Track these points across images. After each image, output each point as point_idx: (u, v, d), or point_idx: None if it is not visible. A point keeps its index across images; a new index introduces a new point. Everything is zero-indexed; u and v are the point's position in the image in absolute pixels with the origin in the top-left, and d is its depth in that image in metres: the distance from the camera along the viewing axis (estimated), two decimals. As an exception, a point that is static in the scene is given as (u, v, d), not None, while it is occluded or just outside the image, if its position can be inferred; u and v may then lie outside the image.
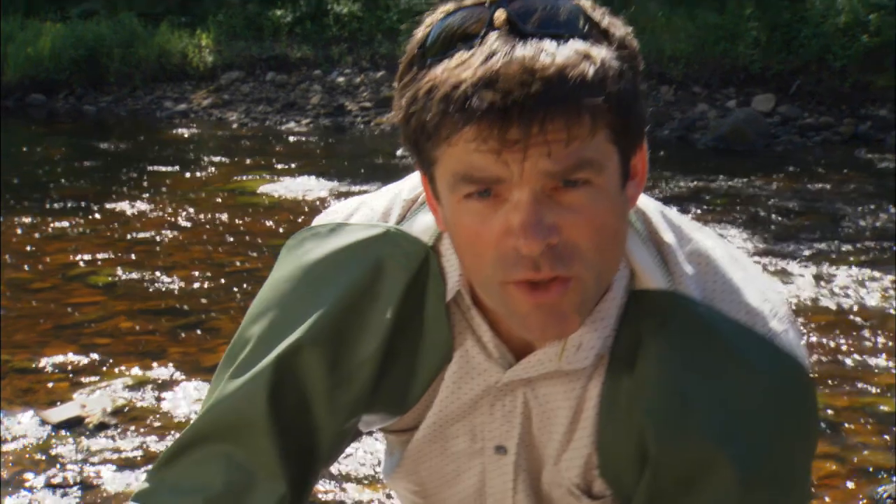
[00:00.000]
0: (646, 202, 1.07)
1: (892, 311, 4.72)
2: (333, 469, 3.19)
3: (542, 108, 0.86)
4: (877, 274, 5.24)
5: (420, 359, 1.08)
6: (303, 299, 1.07)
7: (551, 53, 0.87)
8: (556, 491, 1.13)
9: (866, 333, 4.38)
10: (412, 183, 1.12)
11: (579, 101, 0.87)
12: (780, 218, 6.71)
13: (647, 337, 1.01)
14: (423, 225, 1.08)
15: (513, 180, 0.90)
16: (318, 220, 1.16)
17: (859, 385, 3.82)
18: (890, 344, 4.27)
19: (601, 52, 0.90)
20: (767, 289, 1.06)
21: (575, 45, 0.89)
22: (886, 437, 3.43)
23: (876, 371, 3.99)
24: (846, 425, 3.52)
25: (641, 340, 1.01)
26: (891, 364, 4.05)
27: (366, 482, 3.18)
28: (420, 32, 0.95)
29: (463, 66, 0.88)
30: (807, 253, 5.75)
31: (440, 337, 1.07)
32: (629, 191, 0.98)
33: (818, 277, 5.22)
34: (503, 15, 0.90)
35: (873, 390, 3.80)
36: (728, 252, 1.07)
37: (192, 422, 1.12)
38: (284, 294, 1.09)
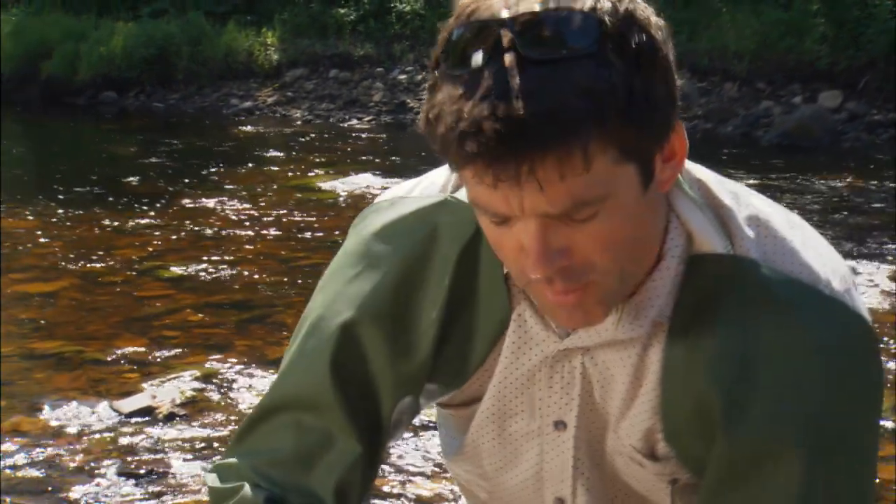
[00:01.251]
0: (702, 171, 1.06)
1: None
2: (397, 462, 3.26)
3: (531, 150, 0.85)
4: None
5: (478, 325, 1.09)
6: (362, 271, 1.10)
7: (546, 92, 0.85)
8: (618, 459, 1.12)
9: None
10: None
11: (569, 138, 0.85)
12: (846, 215, 6.61)
13: (709, 302, 1.00)
14: None
15: (516, 213, 0.91)
16: (381, 197, 1.18)
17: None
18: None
19: (606, 76, 0.86)
20: (827, 251, 1.05)
21: (577, 74, 0.86)
22: None
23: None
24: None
25: (703, 306, 1.01)
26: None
27: (429, 475, 3.23)
28: (443, 33, 0.95)
29: (461, 101, 0.87)
30: (876, 251, 5.66)
31: (497, 301, 1.07)
32: (664, 173, 0.96)
33: (892, 278, 5.15)
34: (507, 39, 0.87)
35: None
36: (786, 216, 1.06)
37: (260, 400, 1.15)
38: (344, 267, 1.12)
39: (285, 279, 5.40)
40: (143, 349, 4.32)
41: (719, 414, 0.99)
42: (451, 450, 1.23)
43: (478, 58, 0.88)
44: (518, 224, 0.92)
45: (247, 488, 1.07)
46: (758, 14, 10.93)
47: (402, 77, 13.23)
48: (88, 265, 5.71)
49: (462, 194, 1.09)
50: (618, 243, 0.94)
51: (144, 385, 3.92)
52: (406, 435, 3.39)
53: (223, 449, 3.54)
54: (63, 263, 5.71)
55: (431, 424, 3.42)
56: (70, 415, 3.65)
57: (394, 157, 9.54)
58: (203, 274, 5.50)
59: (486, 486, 1.21)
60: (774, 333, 0.98)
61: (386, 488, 3.16)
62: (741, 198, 1.05)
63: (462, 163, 0.90)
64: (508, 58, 0.87)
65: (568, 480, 1.13)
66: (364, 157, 9.36)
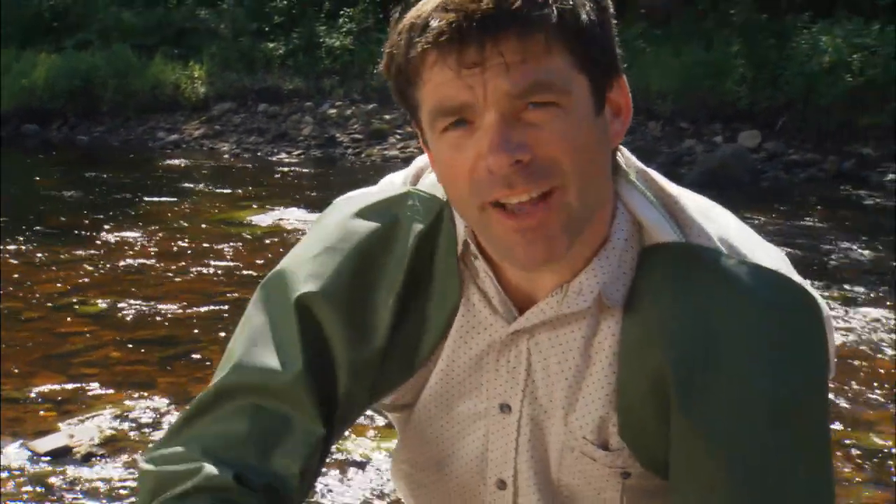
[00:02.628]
0: (647, 168, 1.10)
1: (878, 346, 4.77)
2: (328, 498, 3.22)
3: (494, 24, 0.90)
4: (864, 309, 5.30)
5: (430, 311, 1.10)
6: (322, 253, 1.10)
7: None
8: (567, 456, 1.11)
9: (855, 367, 4.43)
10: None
11: (531, 18, 0.91)
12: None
13: (666, 285, 1.03)
14: (436, 180, 1.10)
15: (479, 105, 0.93)
16: (344, 195, 1.19)
17: (851, 421, 3.86)
18: (877, 379, 4.32)
19: None
20: (761, 239, 1.10)
21: None
22: (879, 473, 3.47)
23: (868, 406, 4.03)
24: (839, 463, 3.55)
25: (659, 289, 1.03)
26: (879, 397, 4.09)
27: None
28: None
29: (427, 2, 0.95)
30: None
31: (449, 284, 1.09)
32: (613, 126, 1.01)
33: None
34: None
35: (865, 426, 3.84)
36: (722, 208, 1.11)
37: (211, 382, 1.10)
38: (307, 251, 1.12)
39: (210, 315, 5.32)
40: (61, 387, 4.21)
41: (674, 387, 1.00)
42: (395, 452, 1.23)
43: None
44: (479, 127, 0.94)
45: (209, 467, 1.01)
46: (680, 54, 11.23)
47: (332, 111, 13.24)
48: (7, 301, 5.56)
49: (423, 185, 1.13)
50: (574, 149, 0.95)
51: (62, 424, 3.82)
52: (334, 472, 3.35)
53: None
54: (-21, 299, 5.54)
55: (357, 461, 3.39)
56: (-17, 456, 3.53)
57: (323, 192, 9.51)
58: (126, 309, 5.40)
59: (428, 478, 1.21)
60: (731, 310, 1.01)
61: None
62: (683, 190, 1.10)
63: (425, 48, 0.93)
64: None
65: (510, 463, 1.14)
66: (293, 191, 9.32)
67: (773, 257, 1.06)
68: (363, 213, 1.12)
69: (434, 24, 0.92)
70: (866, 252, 6.77)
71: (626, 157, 1.08)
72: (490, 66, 0.91)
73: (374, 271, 1.09)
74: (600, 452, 1.10)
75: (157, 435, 3.72)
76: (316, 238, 1.13)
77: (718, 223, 1.07)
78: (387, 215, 1.11)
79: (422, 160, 1.17)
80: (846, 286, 5.84)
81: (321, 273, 1.09)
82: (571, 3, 0.94)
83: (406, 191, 1.13)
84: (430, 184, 1.12)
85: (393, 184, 1.17)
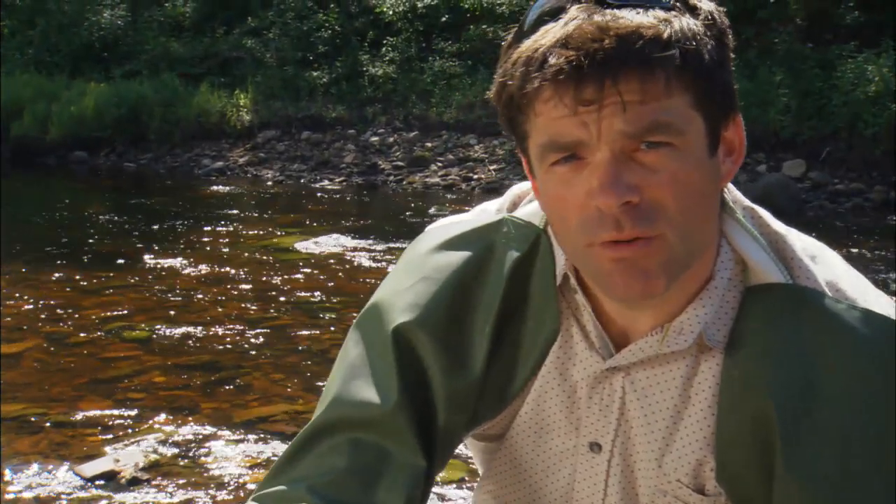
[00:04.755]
0: (756, 206, 1.07)
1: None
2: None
3: (615, 63, 0.88)
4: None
5: (526, 341, 1.07)
6: (418, 282, 1.09)
7: (628, 17, 0.90)
8: (659, 501, 1.08)
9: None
10: (526, 184, 1.16)
11: (652, 57, 0.88)
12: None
13: (770, 328, 0.99)
14: (534, 208, 1.10)
15: (592, 142, 0.91)
16: (438, 222, 1.18)
17: None
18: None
19: (682, 20, 0.91)
20: (870, 284, 1.06)
21: (655, 13, 0.91)
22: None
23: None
24: None
25: (763, 332, 0.99)
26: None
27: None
28: (522, 18, 0.99)
29: (545, 35, 0.92)
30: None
31: (547, 314, 1.06)
32: (724, 166, 0.98)
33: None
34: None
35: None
36: (830, 249, 1.08)
37: (310, 422, 1.08)
38: (400, 279, 1.11)
39: (253, 341, 5.37)
40: (107, 411, 4.26)
41: (779, 431, 0.97)
42: (484, 466, 1.20)
43: (565, 5, 0.93)
44: (590, 163, 0.93)
45: None
46: (723, 84, 11.17)
47: (374, 139, 13.35)
48: (54, 326, 5.65)
49: (519, 213, 1.11)
50: (686, 192, 0.93)
51: (108, 448, 3.86)
52: None
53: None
54: (28, 324, 5.64)
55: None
56: (30, 479, 3.59)
57: (364, 218, 9.57)
58: (170, 335, 5.46)
59: None
60: (839, 357, 0.97)
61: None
62: (791, 230, 1.06)
63: (541, 83, 0.91)
64: (593, 1, 0.93)
65: None
66: (335, 218, 9.39)
67: (882, 304, 1.02)
68: (457, 241, 1.11)
69: (552, 60, 0.90)
70: (914, 283, 6.67)
71: (733, 194, 1.06)
72: (607, 104, 0.89)
73: (470, 300, 1.07)
74: (695, 497, 1.05)
75: (202, 459, 3.76)
76: (409, 267, 1.12)
77: (827, 265, 1.03)
78: (481, 243, 1.10)
79: (518, 188, 1.16)
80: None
81: (417, 303, 1.07)
82: (695, 42, 0.91)
83: (501, 218, 1.11)
84: (527, 212, 1.11)
85: (486, 211, 1.15)
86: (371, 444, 1.04)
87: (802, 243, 1.05)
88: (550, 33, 0.92)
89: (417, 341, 1.06)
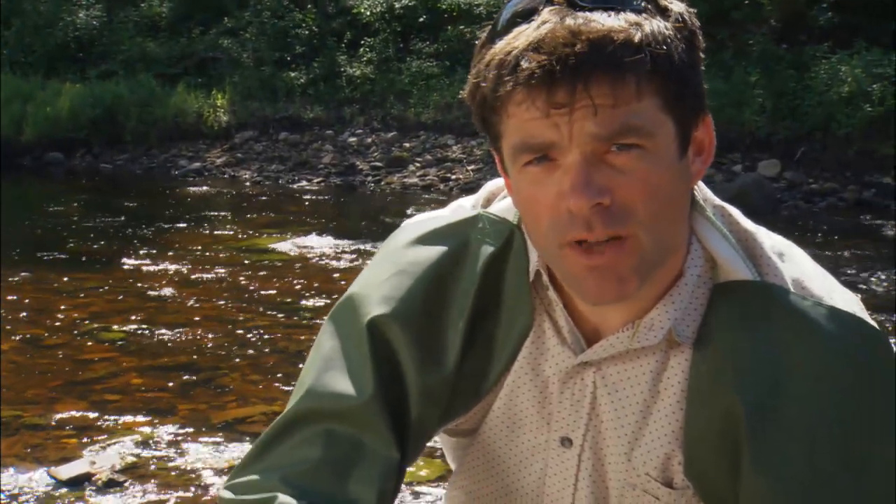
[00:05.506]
0: (725, 204, 1.08)
1: None
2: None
3: (587, 68, 0.89)
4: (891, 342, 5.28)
5: (500, 336, 1.08)
6: (394, 276, 1.09)
7: (599, 21, 0.91)
8: (628, 494, 1.09)
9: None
10: (500, 180, 1.15)
11: (624, 62, 0.89)
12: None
13: (738, 325, 1.01)
14: (508, 204, 1.10)
15: (563, 144, 0.92)
16: (413, 218, 1.19)
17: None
18: None
19: (653, 23, 0.93)
20: (838, 283, 1.07)
21: (626, 16, 0.92)
22: None
23: None
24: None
25: (731, 328, 1.01)
26: None
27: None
28: (495, 19, 1.00)
29: (517, 37, 0.93)
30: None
31: (520, 309, 1.08)
32: (694, 166, 0.99)
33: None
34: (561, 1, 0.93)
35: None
36: (799, 248, 1.09)
37: (288, 405, 1.08)
38: (376, 273, 1.12)
39: (231, 342, 5.36)
40: (83, 413, 4.24)
41: (746, 427, 0.98)
42: (456, 462, 1.21)
43: (538, 6, 0.94)
44: (561, 164, 0.94)
45: (282, 497, 1.00)
46: (699, 84, 11.24)
47: (352, 140, 13.34)
48: (30, 328, 5.62)
49: (494, 209, 1.13)
50: (656, 194, 0.94)
51: (84, 451, 3.85)
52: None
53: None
54: (3, 325, 5.60)
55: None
56: (6, 482, 3.56)
57: (342, 219, 9.56)
58: (147, 336, 5.44)
59: None
60: (805, 353, 0.99)
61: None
62: (760, 228, 1.07)
63: (514, 86, 0.92)
64: (564, 3, 0.93)
65: (568, 499, 1.12)
66: (313, 219, 9.38)
67: (847, 301, 1.04)
68: (433, 236, 1.12)
69: (525, 64, 0.91)
70: (886, 282, 6.74)
71: (703, 192, 1.07)
72: (578, 108, 0.91)
73: (444, 294, 1.08)
74: (664, 490, 1.07)
75: (179, 461, 3.75)
76: (385, 261, 1.12)
77: (794, 263, 1.05)
78: (457, 238, 1.11)
79: (492, 185, 1.17)
80: (872, 320, 5.81)
81: (392, 296, 1.08)
82: (665, 46, 0.92)
83: (477, 214, 1.12)
84: (501, 208, 1.12)
85: (462, 207, 1.16)
86: (345, 435, 1.04)
87: (771, 241, 1.07)
88: (523, 36, 0.93)
89: (392, 334, 1.07)
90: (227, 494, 1.04)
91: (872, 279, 6.83)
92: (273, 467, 1.04)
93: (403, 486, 3.45)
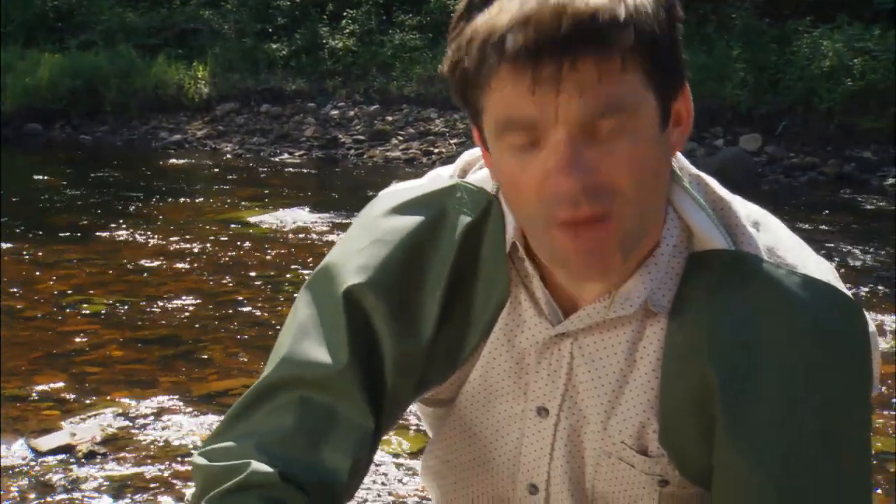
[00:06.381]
0: (702, 173, 1.09)
1: (886, 349, 4.79)
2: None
3: (573, 45, 0.89)
4: (866, 313, 5.32)
5: (476, 306, 1.09)
6: (370, 245, 1.09)
7: None
8: (604, 462, 1.10)
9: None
10: (476, 150, 1.15)
11: (609, 38, 0.89)
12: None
13: (713, 294, 1.01)
14: (486, 174, 1.10)
15: (549, 122, 0.92)
16: (391, 186, 1.18)
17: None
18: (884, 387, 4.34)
19: (645, 3, 0.93)
20: (811, 250, 1.08)
21: None
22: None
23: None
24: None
25: (706, 297, 1.02)
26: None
27: None
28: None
29: (501, 13, 0.92)
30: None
31: (497, 280, 1.08)
32: (673, 137, 1.00)
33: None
34: None
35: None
36: (775, 218, 1.10)
37: (263, 373, 1.09)
38: (353, 240, 1.11)
39: (212, 314, 5.35)
40: (63, 385, 4.24)
41: (720, 397, 0.99)
42: (433, 431, 1.22)
43: None
44: (547, 144, 0.93)
45: (255, 464, 1.00)
46: (681, 58, 11.25)
47: (334, 112, 13.27)
48: (9, 299, 5.59)
49: (471, 178, 1.12)
50: (640, 169, 0.95)
51: (64, 423, 3.84)
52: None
53: (146, 487, 3.49)
54: (-18, 297, 5.58)
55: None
56: (-14, 453, 3.56)
57: (324, 192, 9.54)
58: (128, 309, 5.43)
59: (459, 478, 1.19)
60: (778, 321, 1.00)
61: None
62: (736, 198, 1.08)
63: (499, 64, 0.91)
64: None
65: (544, 468, 1.13)
66: (294, 192, 9.35)
67: (822, 269, 1.05)
68: (410, 205, 1.11)
69: (511, 41, 0.90)
70: (866, 255, 6.80)
71: (680, 162, 1.07)
72: (565, 85, 0.90)
73: (421, 264, 1.08)
74: (639, 458, 1.08)
75: (159, 433, 3.76)
76: (362, 230, 1.12)
77: (770, 232, 1.06)
78: (434, 207, 1.10)
79: (468, 154, 1.16)
80: (847, 289, 5.85)
81: (369, 265, 1.08)
82: (648, 21, 0.92)
83: (454, 183, 1.12)
84: (479, 178, 1.12)
85: (440, 177, 1.16)
86: (320, 403, 1.04)
87: (747, 210, 1.07)
88: (507, 12, 0.92)
89: (368, 303, 1.07)
90: (202, 461, 1.05)
91: (853, 252, 6.88)
92: (247, 434, 1.05)
93: (386, 458, 3.48)
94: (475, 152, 1.15)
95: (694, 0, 11.51)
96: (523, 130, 0.94)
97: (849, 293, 1.05)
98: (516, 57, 0.90)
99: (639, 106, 0.94)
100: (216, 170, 11.13)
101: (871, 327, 1.05)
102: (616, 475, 1.11)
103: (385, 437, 3.72)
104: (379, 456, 3.47)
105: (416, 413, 1.19)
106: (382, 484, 3.34)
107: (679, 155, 1.07)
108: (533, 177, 0.95)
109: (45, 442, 3.65)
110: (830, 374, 1.00)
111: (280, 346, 1.10)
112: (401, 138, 12.29)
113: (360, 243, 1.11)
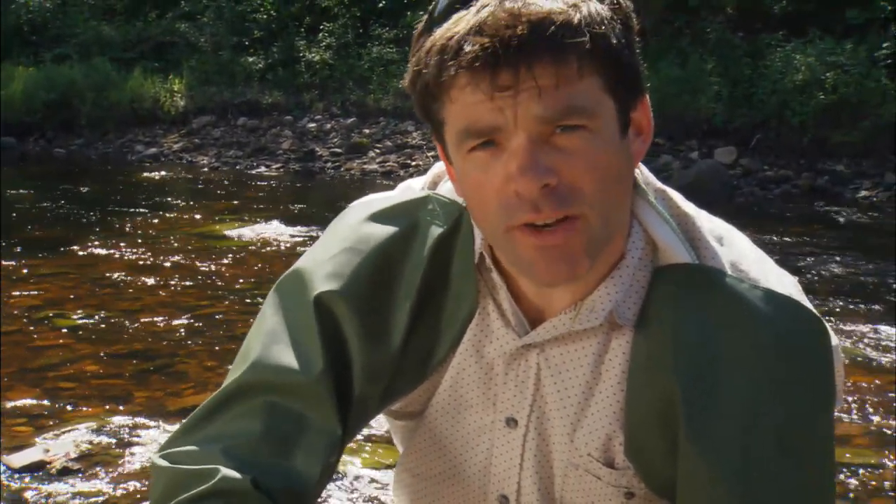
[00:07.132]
0: (667, 187, 1.10)
1: (853, 359, 4.83)
2: None
3: (529, 50, 0.90)
4: (838, 324, 5.37)
5: (445, 317, 1.09)
6: (342, 253, 1.09)
7: (538, 3, 0.92)
8: (571, 474, 1.11)
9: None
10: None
11: (565, 43, 0.91)
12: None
13: (676, 307, 1.02)
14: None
15: (508, 127, 0.93)
16: (363, 198, 1.19)
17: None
18: (855, 398, 4.37)
19: (590, 5, 0.94)
20: (775, 265, 1.10)
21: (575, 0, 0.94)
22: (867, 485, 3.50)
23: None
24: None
25: (670, 310, 1.03)
26: (855, 417, 4.15)
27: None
28: (432, 6, 1.01)
29: (457, 23, 0.94)
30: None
31: (466, 291, 1.08)
32: (634, 146, 1.01)
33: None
34: None
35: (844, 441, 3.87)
36: (739, 233, 1.12)
37: (229, 377, 1.07)
38: (325, 249, 1.11)
39: (187, 328, 5.32)
40: (36, 401, 4.19)
41: (682, 410, 1.00)
42: (403, 444, 1.22)
43: None
44: (507, 148, 0.94)
45: (225, 470, 0.99)
46: (656, 71, 11.35)
47: (311, 125, 13.26)
48: (-19, 314, 5.53)
49: (441, 190, 1.13)
50: (600, 173, 0.95)
51: (37, 439, 3.80)
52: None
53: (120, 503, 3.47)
54: (-46, 312, 5.52)
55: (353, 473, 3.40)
56: (-43, 470, 3.52)
57: (302, 205, 9.52)
58: (102, 323, 5.39)
59: (431, 490, 1.20)
60: (741, 335, 1.01)
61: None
62: (700, 212, 1.10)
63: (457, 70, 0.93)
64: None
65: (514, 478, 1.14)
66: (271, 205, 9.32)
67: (785, 283, 1.06)
68: (382, 216, 1.12)
69: (468, 47, 0.91)
70: (839, 268, 6.85)
71: (645, 176, 1.09)
72: (523, 90, 0.91)
73: (392, 274, 1.09)
74: (605, 470, 1.09)
75: (134, 449, 3.73)
76: (334, 239, 1.12)
77: (733, 247, 1.07)
78: (406, 218, 1.11)
79: (439, 167, 1.17)
80: (819, 301, 5.91)
81: (340, 273, 1.08)
82: (603, 27, 0.94)
83: (426, 195, 1.13)
84: (450, 189, 1.13)
85: (411, 188, 1.17)
86: (289, 409, 1.04)
87: (711, 225, 1.09)
88: (464, 21, 0.93)
89: (338, 311, 1.07)
90: (163, 463, 1.03)
91: (825, 265, 6.94)
92: (213, 438, 1.03)
93: (363, 472, 3.47)
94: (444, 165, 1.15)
95: (669, 13, 11.61)
96: (484, 137, 0.95)
97: (811, 307, 1.06)
98: (473, 63, 0.91)
99: (597, 110, 0.95)
100: (192, 183, 11.09)
101: (835, 341, 1.06)
102: (583, 487, 1.11)
103: (364, 451, 3.67)
104: (355, 469, 3.46)
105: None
106: (357, 497, 3.32)
107: (644, 169, 1.09)
108: (494, 182, 0.96)
109: (18, 458, 3.61)
110: (793, 388, 1.00)
111: (249, 350, 1.09)
112: (378, 151, 12.30)
113: (332, 251, 1.11)
